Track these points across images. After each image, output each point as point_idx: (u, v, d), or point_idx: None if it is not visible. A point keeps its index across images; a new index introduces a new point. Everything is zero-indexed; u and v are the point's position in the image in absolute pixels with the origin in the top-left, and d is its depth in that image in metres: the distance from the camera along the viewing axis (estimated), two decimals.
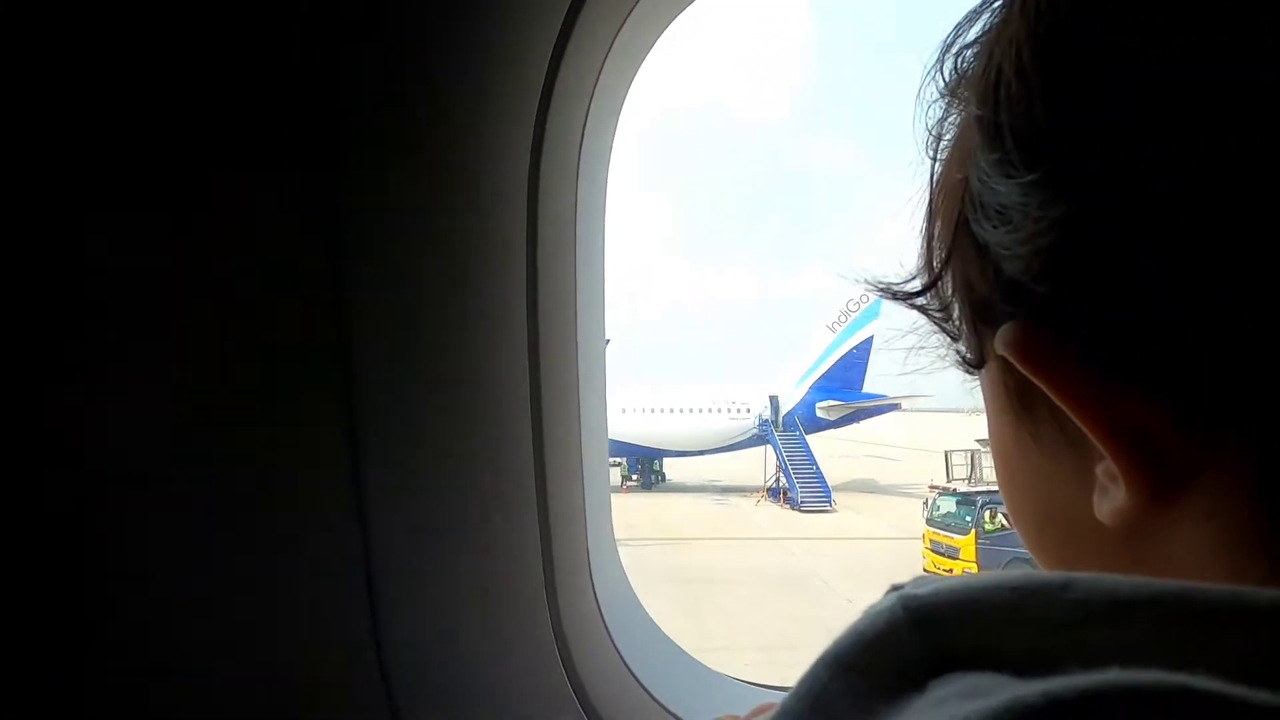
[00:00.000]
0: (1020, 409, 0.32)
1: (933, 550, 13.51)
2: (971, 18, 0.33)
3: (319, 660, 0.59)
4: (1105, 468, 0.29)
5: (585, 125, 0.65)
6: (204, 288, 0.55)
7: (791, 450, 22.97)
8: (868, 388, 27.17)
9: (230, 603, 0.57)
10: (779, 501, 22.47)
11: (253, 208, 0.55)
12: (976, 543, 12.76)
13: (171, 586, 0.57)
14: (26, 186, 0.52)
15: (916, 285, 0.35)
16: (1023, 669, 0.21)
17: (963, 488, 16.51)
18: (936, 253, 0.34)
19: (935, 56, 0.35)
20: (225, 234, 0.55)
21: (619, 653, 0.71)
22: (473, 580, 0.62)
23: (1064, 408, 0.28)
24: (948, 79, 0.34)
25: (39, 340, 0.52)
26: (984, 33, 0.32)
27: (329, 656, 0.59)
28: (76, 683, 0.54)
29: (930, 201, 0.35)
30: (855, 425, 27.40)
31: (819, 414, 25.60)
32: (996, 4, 0.32)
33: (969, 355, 0.34)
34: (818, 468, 22.45)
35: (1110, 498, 0.29)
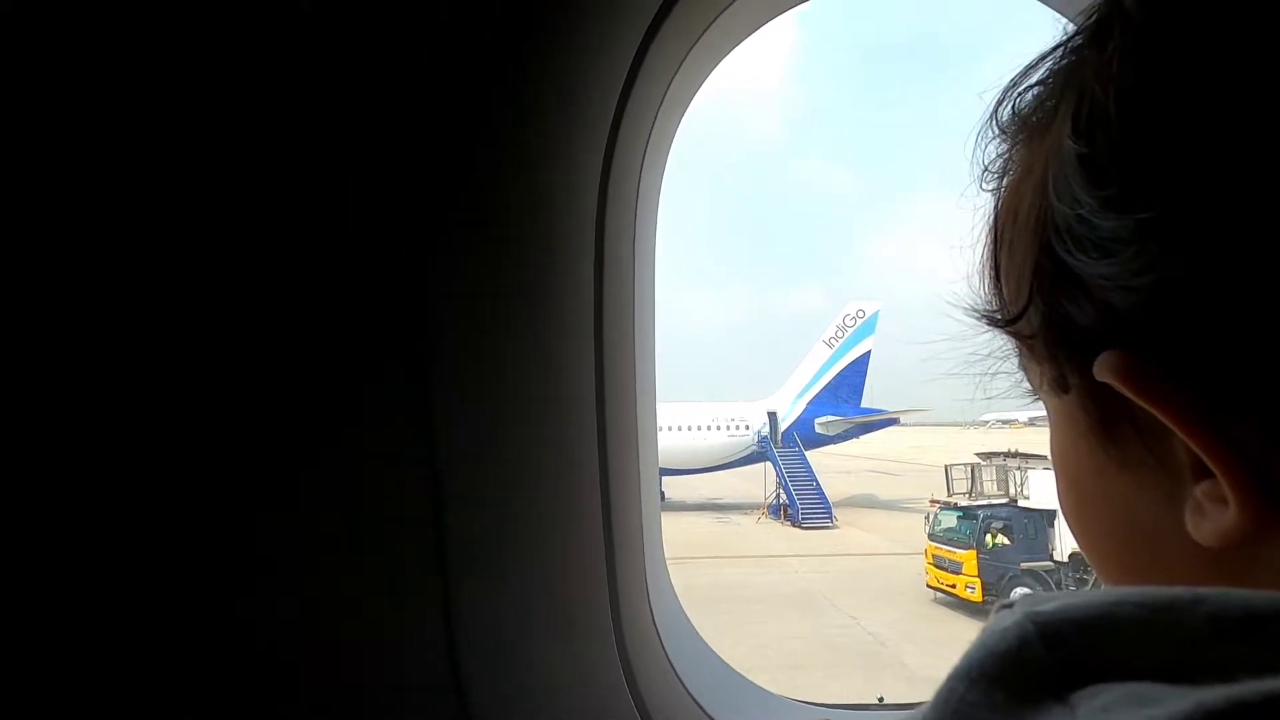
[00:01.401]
0: (1104, 435, 0.33)
1: (935, 565, 13.43)
2: (1038, 61, 0.35)
3: (394, 673, 0.61)
4: (1206, 489, 0.29)
5: (644, 157, 0.69)
6: (297, 297, 0.57)
7: (791, 466, 22.93)
8: (866, 402, 27.20)
9: (309, 613, 0.59)
10: (780, 518, 22.36)
11: (346, 235, 0.58)
12: (978, 558, 12.71)
13: (255, 596, 0.59)
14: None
15: (1006, 315, 0.36)
16: (1172, 680, 0.22)
17: (963, 502, 16.48)
18: (1018, 282, 0.34)
19: (998, 97, 0.37)
20: (323, 262, 0.58)
21: (679, 677, 0.73)
22: (543, 599, 0.64)
23: (1177, 431, 0.28)
24: (1007, 118, 0.37)
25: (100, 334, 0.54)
26: (1057, 67, 0.33)
27: (405, 671, 0.61)
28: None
29: (995, 231, 0.37)
30: (855, 440, 27.35)
31: (818, 430, 25.58)
32: (1069, 43, 0.33)
33: (1053, 381, 0.35)
34: (818, 483, 22.38)
35: (1212, 519, 0.29)
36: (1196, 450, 0.28)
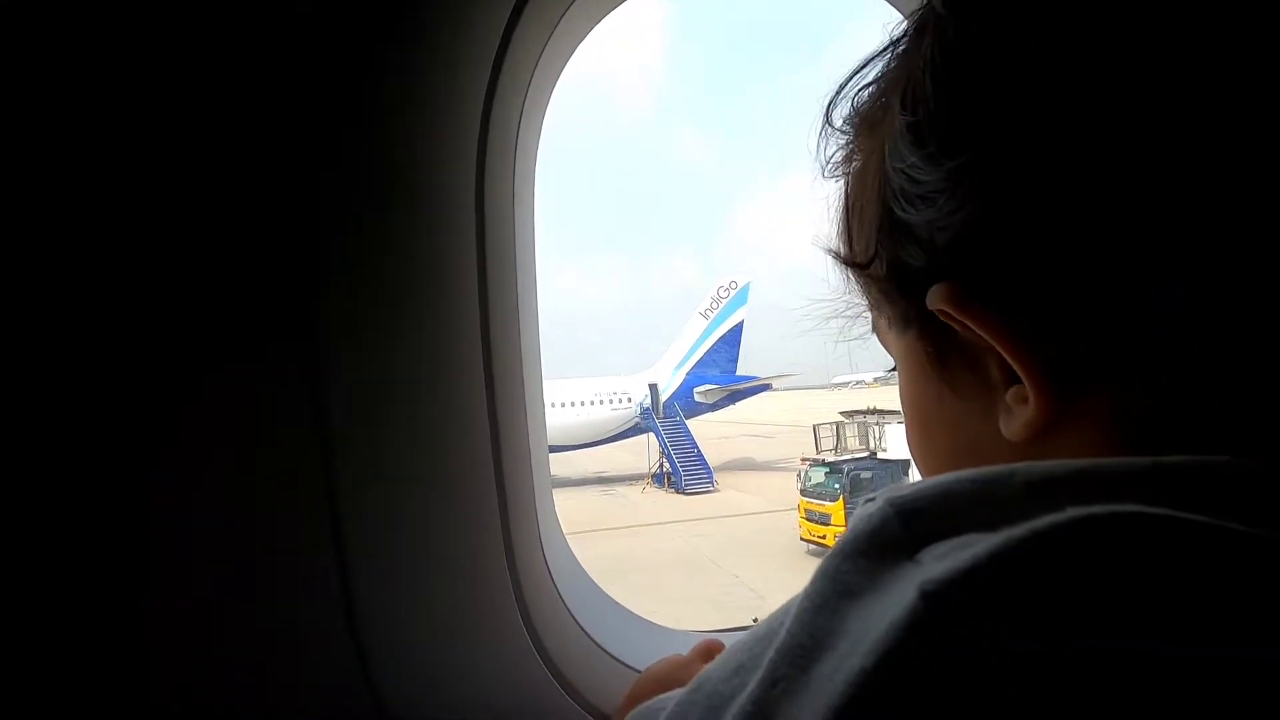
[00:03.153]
0: (939, 365, 0.40)
1: (807, 519, 14.38)
2: (866, 64, 0.43)
3: (291, 629, 0.61)
4: (1013, 394, 0.36)
5: (520, 122, 0.70)
6: (187, 290, 0.56)
7: (673, 436, 23.64)
8: (741, 370, 28.44)
9: (210, 594, 0.59)
10: (664, 487, 23.05)
11: (233, 212, 0.57)
12: (845, 507, 13.74)
13: (162, 578, 0.57)
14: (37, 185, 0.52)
15: (860, 259, 0.44)
16: (993, 530, 0.28)
17: (830, 458, 17.73)
18: (867, 240, 0.42)
19: (833, 93, 0.44)
20: (205, 238, 0.56)
21: (572, 615, 0.78)
22: (439, 550, 0.66)
23: (988, 338, 0.35)
24: (847, 114, 0.44)
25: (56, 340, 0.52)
26: (888, 69, 0.42)
27: (307, 639, 0.61)
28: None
29: (846, 201, 0.45)
30: (732, 407, 28.55)
31: (697, 399, 26.48)
32: (896, 48, 0.41)
33: (896, 319, 0.42)
34: (699, 450, 23.24)
35: (1017, 416, 0.36)
36: (1003, 353, 0.35)
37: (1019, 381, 0.35)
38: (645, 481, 23.78)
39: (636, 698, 0.55)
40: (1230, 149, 0.31)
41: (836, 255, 0.45)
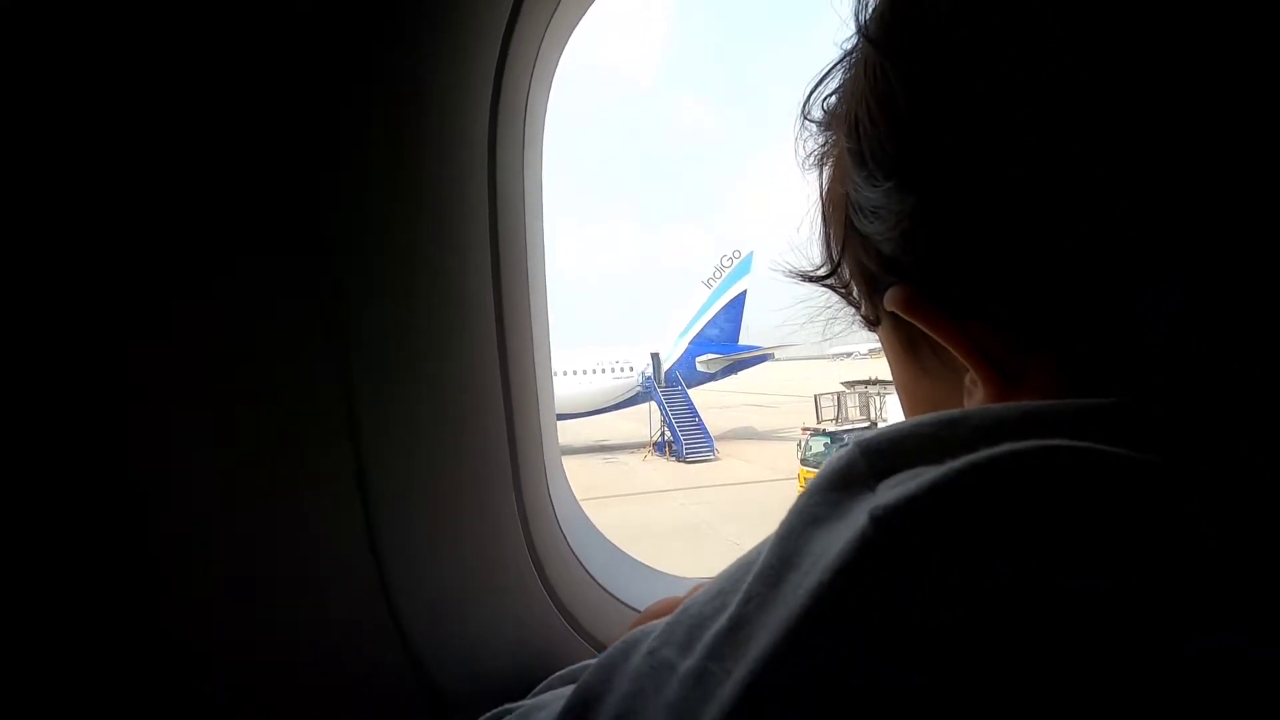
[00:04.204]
0: (910, 351, 0.44)
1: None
2: (831, 71, 0.45)
3: (322, 575, 0.66)
4: (971, 378, 0.40)
5: (529, 93, 0.73)
6: (209, 271, 0.59)
7: (675, 404, 23.72)
8: (743, 340, 28.42)
9: (231, 517, 0.63)
10: (665, 455, 23.23)
11: (248, 193, 0.60)
12: None
13: (179, 508, 0.61)
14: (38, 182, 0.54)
15: (823, 271, 0.49)
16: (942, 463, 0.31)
17: (831, 428, 17.84)
18: (834, 247, 0.47)
19: (803, 100, 0.47)
20: (225, 223, 0.59)
21: (580, 561, 0.84)
22: (456, 501, 0.71)
23: (936, 338, 0.39)
24: (819, 117, 0.47)
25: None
26: (842, 82, 0.44)
27: (331, 572, 0.66)
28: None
29: (823, 209, 0.48)
30: (734, 376, 28.60)
31: (699, 368, 26.51)
32: (847, 58, 0.44)
33: (869, 317, 0.47)
34: (700, 419, 23.34)
35: (974, 398, 0.40)
36: (949, 348, 0.38)
37: None
38: (647, 450, 23.95)
39: None
40: (1228, 149, 0.31)
41: (824, 245, 0.48)
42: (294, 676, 0.68)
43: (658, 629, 0.38)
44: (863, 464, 0.33)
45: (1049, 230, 0.34)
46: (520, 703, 0.54)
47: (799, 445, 15.91)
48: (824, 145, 0.48)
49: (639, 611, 0.83)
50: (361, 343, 0.63)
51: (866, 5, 0.40)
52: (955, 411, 0.33)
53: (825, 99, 0.46)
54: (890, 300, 0.40)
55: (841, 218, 0.44)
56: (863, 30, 0.40)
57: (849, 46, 0.43)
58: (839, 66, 0.45)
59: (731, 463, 21.35)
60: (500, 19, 0.66)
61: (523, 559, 0.75)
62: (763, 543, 0.35)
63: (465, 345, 0.68)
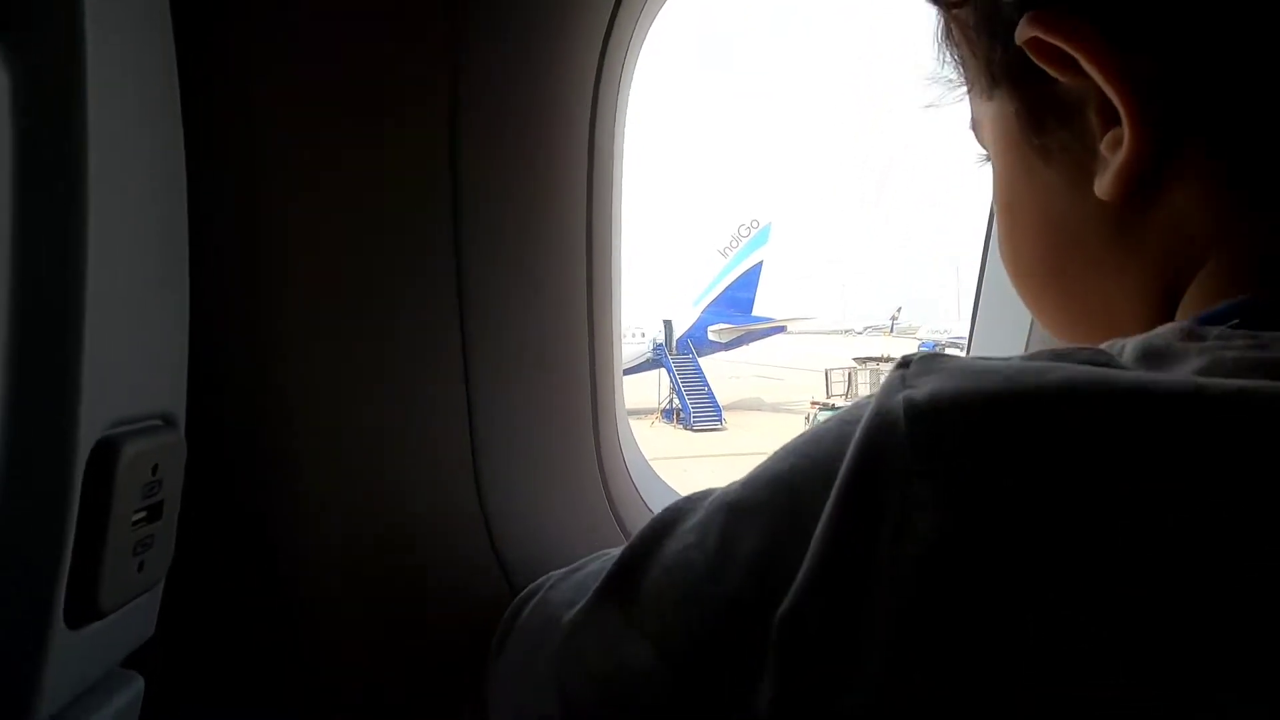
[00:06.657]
0: (1030, 127, 0.38)
1: None
2: None
3: (430, 516, 0.72)
4: (1109, 140, 0.34)
5: (623, 66, 0.77)
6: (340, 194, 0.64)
7: (685, 373, 23.76)
8: (757, 311, 28.31)
9: (354, 439, 0.68)
10: (673, 422, 23.37)
11: (381, 138, 0.64)
12: None
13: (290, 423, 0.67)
14: None
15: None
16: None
17: (840, 403, 17.90)
18: None
19: None
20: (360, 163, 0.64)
21: (638, 491, 0.91)
22: (545, 433, 0.78)
23: (1081, 60, 0.32)
24: None
25: None
26: None
27: (436, 492, 0.73)
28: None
29: None
30: (745, 347, 28.56)
31: (711, 337, 26.49)
32: None
33: (986, 72, 0.40)
34: (709, 388, 23.40)
35: (1111, 166, 0.34)
36: (1097, 78, 0.32)
37: (1117, 123, 0.33)
38: (654, 416, 24.10)
39: None
40: None
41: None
42: (396, 585, 0.75)
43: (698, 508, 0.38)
44: (901, 370, 0.30)
45: None
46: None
47: (807, 419, 15.99)
48: None
49: None
50: (473, 302, 0.68)
51: None
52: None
53: None
54: (1030, 22, 0.33)
55: None
56: None
57: None
58: None
59: (739, 432, 21.43)
60: (601, 22, 0.70)
61: (598, 496, 0.82)
62: (783, 447, 0.35)
63: (561, 311, 0.74)
